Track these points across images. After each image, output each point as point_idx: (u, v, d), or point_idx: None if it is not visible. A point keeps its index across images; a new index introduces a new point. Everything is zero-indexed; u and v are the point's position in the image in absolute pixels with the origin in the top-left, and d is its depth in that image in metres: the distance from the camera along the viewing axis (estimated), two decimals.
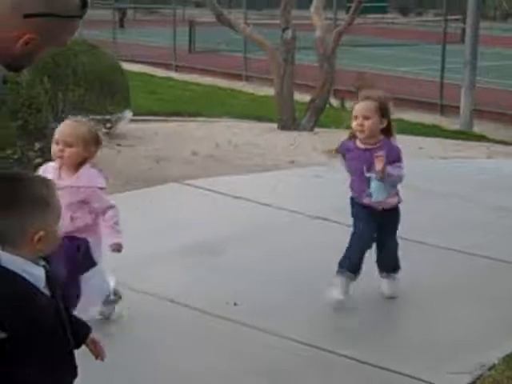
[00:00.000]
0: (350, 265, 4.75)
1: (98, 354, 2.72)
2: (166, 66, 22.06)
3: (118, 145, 9.16)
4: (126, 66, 10.91)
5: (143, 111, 12.08)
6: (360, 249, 4.80)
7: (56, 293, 2.54)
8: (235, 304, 4.74)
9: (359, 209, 4.91)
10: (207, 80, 19.89)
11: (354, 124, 4.79)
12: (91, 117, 9.68)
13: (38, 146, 7.08)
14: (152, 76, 19.82)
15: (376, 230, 4.89)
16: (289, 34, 12.07)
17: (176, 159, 8.50)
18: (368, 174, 4.78)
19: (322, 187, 7.58)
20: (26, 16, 2.35)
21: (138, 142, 9.41)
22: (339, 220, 6.01)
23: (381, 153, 4.68)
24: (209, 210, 6.68)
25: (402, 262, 5.01)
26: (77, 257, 4.08)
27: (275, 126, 11.83)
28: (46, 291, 2.50)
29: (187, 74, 20.83)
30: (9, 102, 6.81)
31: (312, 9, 12.75)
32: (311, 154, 9.26)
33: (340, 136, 10.17)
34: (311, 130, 11.80)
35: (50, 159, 7.02)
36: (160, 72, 20.96)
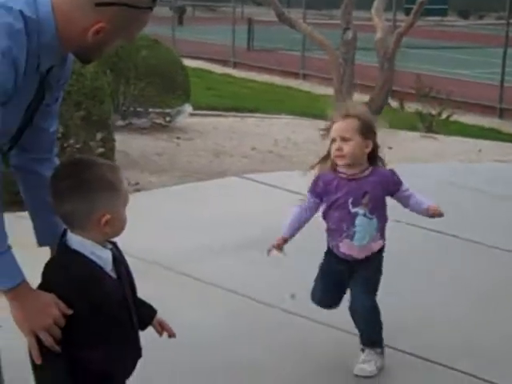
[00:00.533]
0: None
1: (169, 332, 2.76)
2: (224, 63, 22.17)
3: (178, 138, 9.25)
4: (184, 62, 11.01)
5: (201, 106, 12.17)
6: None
7: (122, 276, 2.60)
8: (293, 296, 4.77)
9: (328, 264, 4.11)
10: (265, 78, 19.95)
11: (332, 148, 3.84)
12: (151, 110, 9.86)
13: (99, 136, 7.19)
14: (210, 72, 19.94)
15: (343, 288, 4.10)
16: (349, 34, 12.07)
17: (235, 154, 8.55)
18: (354, 210, 3.86)
19: None
20: (98, 4, 2.39)
21: (197, 135, 9.49)
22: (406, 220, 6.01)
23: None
24: (267, 204, 6.70)
25: (459, 263, 4.88)
26: None
27: None
28: (113, 274, 2.56)
29: (245, 72, 20.91)
30: (73, 92, 6.92)
31: (373, 10, 12.73)
32: None
33: (397, 136, 10.16)
34: None
35: (111, 149, 7.20)
36: (218, 69, 21.07)
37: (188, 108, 9.92)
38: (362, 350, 4.00)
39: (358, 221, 3.86)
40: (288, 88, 18.51)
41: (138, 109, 9.86)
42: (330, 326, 4.44)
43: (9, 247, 2.40)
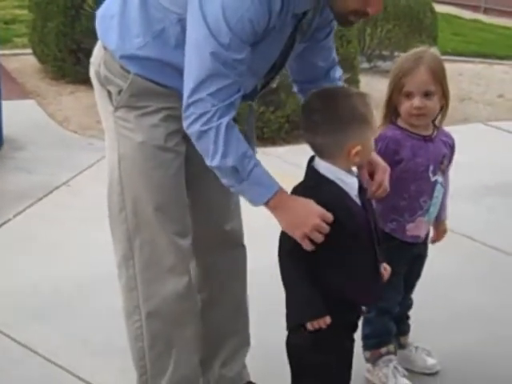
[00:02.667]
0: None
1: (384, 278, 2.72)
2: (475, 9, 21.49)
3: None
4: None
5: (447, 51, 11.89)
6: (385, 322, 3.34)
7: (367, 205, 2.64)
8: None
9: (392, 256, 2.87)
10: None
11: (406, 105, 3.06)
12: (396, 53, 9.76)
13: (344, 76, 7.23)
14: (458, 18, 19.39)
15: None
16: None
17: (480, 100, 8.34)
18: (434, 178, 3.14)
19: None
20: None
21: None
22: None
23: None
24: (511, 152, 6.53)
25: None
26: None
27: None
28: (358, 200, 2.61)
29: (496, 17, 20.15)
30: None
31: None
32: None
33: None
34: None
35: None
36: (467, 14, 20.45)
37: None
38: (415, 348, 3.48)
39: (437, 192, 3.16)
40: None
41: (384, 52, 9.79)
42: None
43: (258, 162, 2.50)
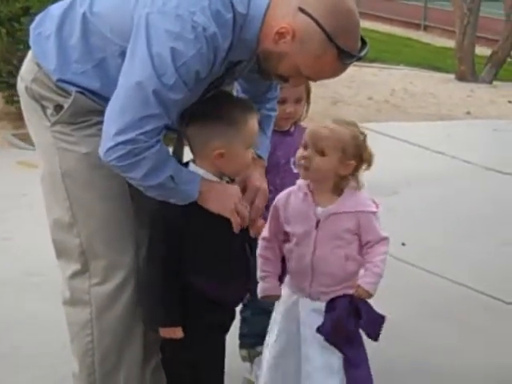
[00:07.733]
0: None
1: None
2: None
3: None
4: None
5: None
6: None
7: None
8: (403, 244, 4.84)
9: None
10: (385, 28, 19.71)
11: (278, 110, 3.07)
12: None
13: None
14: None
15: None
16: None
17: (352, 102, 8.58)
18: (296, 171, 2.94)
19: (498, 140, 7.48)
20: (301, 9, 2.32)
21: (316, 84, 9.52)
22: None
23: None
24: (381, 153, 6.68)
25: None
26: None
27: (452, 77, 11.69)
28: None
29: (365, 21, 20.69)
30: None
31: None
32: (488, 107, 9.12)
33: None
34: (490, 82, 11.58)
35: None
36: None
37: None
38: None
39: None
40: (408, 39, 18.27)
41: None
42: (437, 274, 4.51)
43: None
